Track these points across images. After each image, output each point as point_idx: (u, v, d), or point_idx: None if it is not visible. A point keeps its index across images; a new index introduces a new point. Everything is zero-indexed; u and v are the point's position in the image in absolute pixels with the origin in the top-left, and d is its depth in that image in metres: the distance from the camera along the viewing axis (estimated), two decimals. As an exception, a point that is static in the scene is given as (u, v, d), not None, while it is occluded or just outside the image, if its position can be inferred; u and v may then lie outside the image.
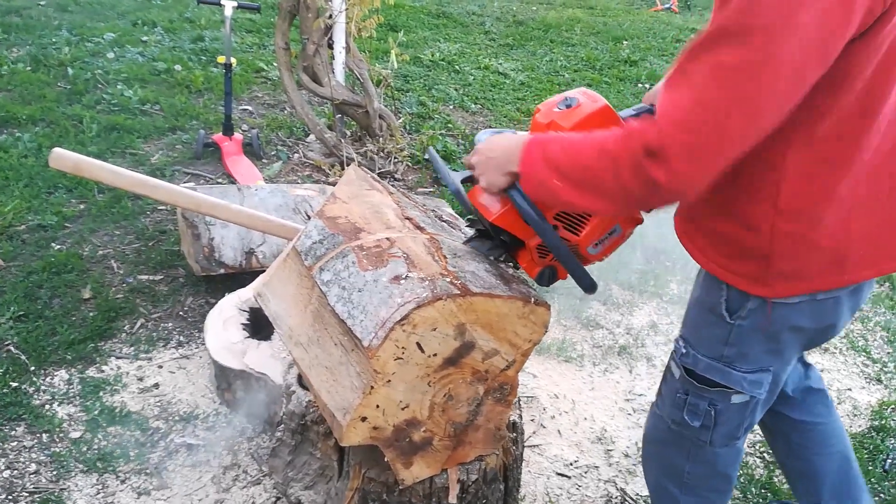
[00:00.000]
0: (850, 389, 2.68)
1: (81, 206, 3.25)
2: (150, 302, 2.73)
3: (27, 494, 1.93)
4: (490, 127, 4.53)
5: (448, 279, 1.26)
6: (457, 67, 5.49)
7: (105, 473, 2.02)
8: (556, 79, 5.53)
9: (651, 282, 3.19)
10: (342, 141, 3.77)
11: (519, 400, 1.79)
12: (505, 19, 6.95)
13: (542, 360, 2.67)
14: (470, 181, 1.40)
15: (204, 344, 2.30)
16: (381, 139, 3.86)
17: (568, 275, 1.42)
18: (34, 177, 3.36)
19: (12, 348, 2.41)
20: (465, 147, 4.18)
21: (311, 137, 4.05)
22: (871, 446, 2.38)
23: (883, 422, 2.49)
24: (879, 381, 2.73)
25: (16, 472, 2.00)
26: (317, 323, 1.35)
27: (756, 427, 1.66)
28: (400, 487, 1.44)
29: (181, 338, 2.58)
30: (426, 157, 1.43)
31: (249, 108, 4.51)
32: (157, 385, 2.36)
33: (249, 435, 2.20)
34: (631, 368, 2.68)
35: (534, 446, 2.27)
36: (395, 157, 3.86)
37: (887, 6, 1.03)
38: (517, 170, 1.24)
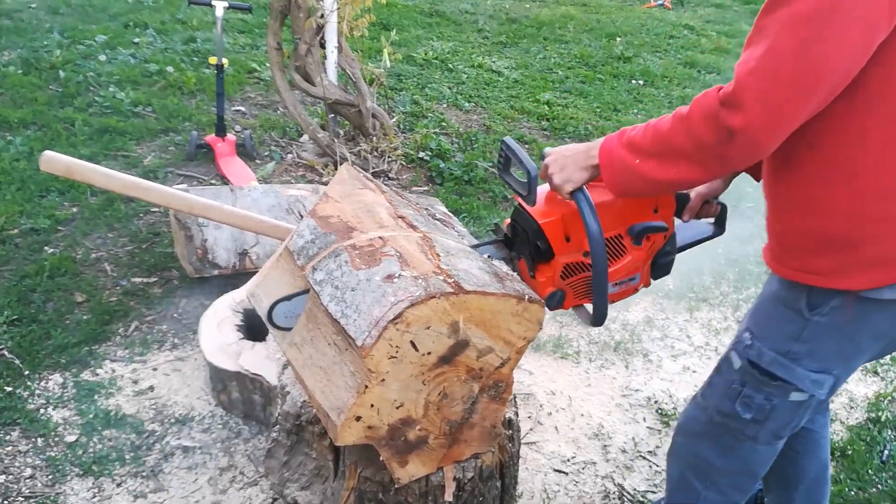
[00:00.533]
0: (846, 382, 2.68)
1: (74, 210, 3.23)
2: (144, 304, 2.72)
3: (23, 499, 1.92)
4: (485, 125, 4.53)
5: (441, 277, 1.26)
6: (450, 66, 5.48)
7: (101, 477, 2.01)
8: (550, 76, 5.52)
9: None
10: (335, 140, 3.76)
11: (515, 397, 1.78)
12: (498, 17, 6.94)
13: (538, 356, 2.67)
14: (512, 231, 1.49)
15: (199, 346, 2.30)
16: (374, 138, 3.85)
17: (571, 306, 1.49)
18: (26, 180, 3.34)
19: (6, 353, 2.40)
20: (458, 145, 4.18)
21: (305, 137, 4.04)
22: (868, 437, 2.39)
23: (880, 413, 2.50)
24: (876, 373, 2.73)
25: (11, 476, 1.99)
26: (310, 323, 1.35)
27: None
28: (396, 486, 1.43)
29: (176, 340, 2.57)
30: (503, 146, 1.46)
31: (242, 108, 4.49)
32: (152, 388, 2.35)
33: (246, 436, 2.19)
34: (627, 364, 2.68)
35: (531, 443, 2.27)
36: (388, 156, 3.85)
37: None
38: (597, 162, 1.30)
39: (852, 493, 2.17)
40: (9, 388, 2.26)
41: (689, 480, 1.61)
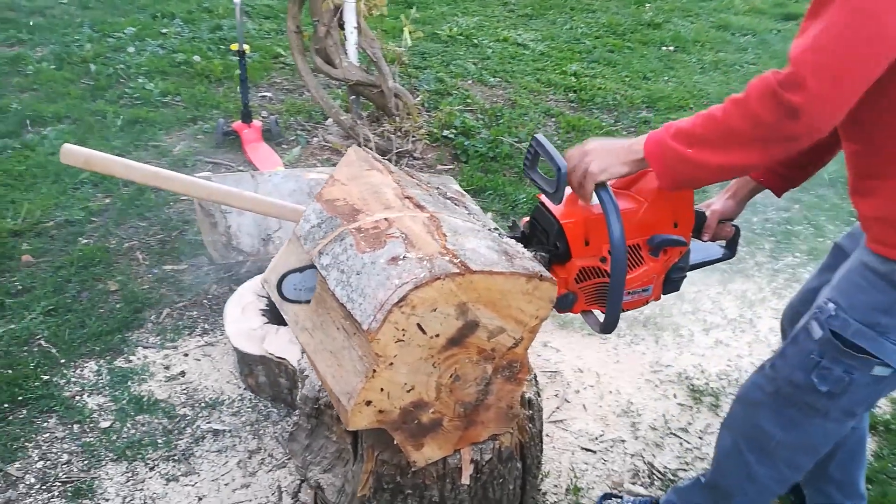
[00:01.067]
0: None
1: (107, 200, 3.30)
2: (174, 291, 2.76)
3: (60, 484, 1.98)
4: (511, 99, 4.45)
5: (447, 258, 1.23)
6: (475, 41, 5.39)
7: (134, 461, 2.07)
8: (577, 46, 5.39)
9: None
10: (358, 122, 3.75)
11: (535, 377, 1.76)
12: (524, -12, 6.79)
13: (565, 333, 2.63)
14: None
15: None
16: (398, 118, 3.82)
17: (580, 311, 1.49)
18: (60, 173, 3.42)
19: (43, 342, 2.47)
20: (483, 121, 4.12)
21: (330, 121, 4.03)
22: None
23: None
24: None
25: (49, 462, 2.05)
26: (320, 308, 1.34)
27: None
28: (413, 469, 1.43)
29: (206, 325, 2.61)
30: (533, 142, 1.45)
31: (269, 94, 4.51)
32: (183, 373, 2.39)
33: (274, 419, 2.22)
34: (657, 339, 2.62)
35: (558, 421, 2.25)
36: (413, 136, 3.82)
37: None
38: (641, 156, 1.31)
39: None
40: (46, 377, 2.33)
41: (742, 452, 1.57)
